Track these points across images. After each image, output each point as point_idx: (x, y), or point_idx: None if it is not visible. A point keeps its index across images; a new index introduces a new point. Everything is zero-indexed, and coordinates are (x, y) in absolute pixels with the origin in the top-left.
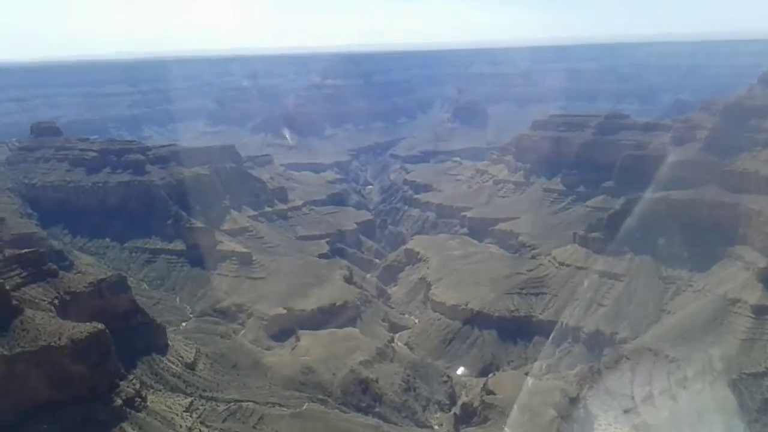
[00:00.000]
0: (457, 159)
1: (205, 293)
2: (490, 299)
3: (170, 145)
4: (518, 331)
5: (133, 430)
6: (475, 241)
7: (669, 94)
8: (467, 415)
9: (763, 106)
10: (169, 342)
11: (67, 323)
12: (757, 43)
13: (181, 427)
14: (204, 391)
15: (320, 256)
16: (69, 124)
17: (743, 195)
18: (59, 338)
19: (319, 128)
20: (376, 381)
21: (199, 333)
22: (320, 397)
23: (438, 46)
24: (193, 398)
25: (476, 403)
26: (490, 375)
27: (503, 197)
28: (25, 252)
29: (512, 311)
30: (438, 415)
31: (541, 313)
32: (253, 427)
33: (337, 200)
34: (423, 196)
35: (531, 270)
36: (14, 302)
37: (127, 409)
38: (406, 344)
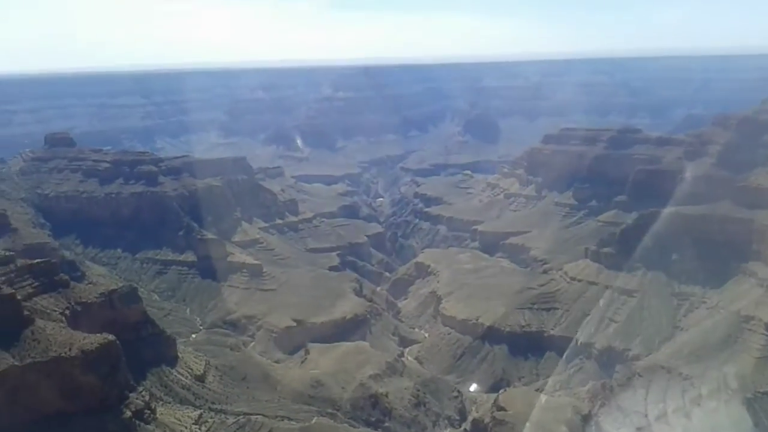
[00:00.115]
0: (468, 172)
1: (215, 305)
2: (501, 314)
3: (183, 156)
4: (529, 347)
5: None
6: (486, 255)
7: (681, 108)
8: (478, 431)
9: None
10: (179, 354)
11: (78, 334)
12: None
13: None
14: (213, 403)
15: (331, 268)
16: (82, 135)
17: (757, 211)
18: (70, 349)
19: (331, 140)
20: (386, 395)
21: (209, 345)
22: (329, 411)
23: (449, 59)
24: (202, 411)
25: (487, 420)
26: (500, 391)
27: (514, 211)
28: (37, 262)
29: (523, 326)
30: (448, 430)
31: (552, 329)
32: None
33: (348, 213)
34: (434, 210)
35: (542, 285)
36: (25, 312)
37: (137, 421)
38: (416, 358)
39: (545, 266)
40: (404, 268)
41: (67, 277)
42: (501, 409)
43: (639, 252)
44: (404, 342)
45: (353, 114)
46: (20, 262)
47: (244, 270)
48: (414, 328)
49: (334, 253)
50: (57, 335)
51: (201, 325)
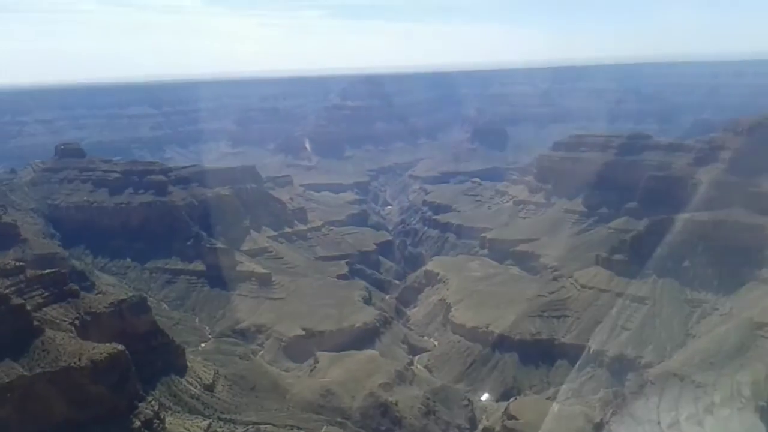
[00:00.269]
0: (477, 179)
1: (224, 314)
2: (511, 322)
3: (192, 166)
4: (540, 355)
5: None
6: (495, 263)
7: (690, 114)
8: None
9: None
10: (188, 363)
11: (88, 344)
12: None
13: None
14: (222, 413)
15: (339, 276)
16: (93, 146)
17: None
18: (79, 359)
19: (339, 149)
20: (396, 404)
21: (218, 354)
22: (339, 420)
23: (457, 67)
24: (211, 420)
25: (497, 428)
26: (511, 399)
27: (524, 218)
28: (46, 272)
29: (534, 334)
30: None
31: (563, 337)
32: None
33: (357, 221)
34: (442, 217)
35: (553, 292)
36: (35, 323)
37: (146, 431)
38: (425, 367)
39: (555, 273)
40: (413, 276)
41: (76, 287)
42: (512, 417)
43: (651, 259)
44: (414, 350)
45: (361, 122)
46: (30, 272)
47: (253, 279)
48: (423, 337)
49: (343, 262)
50: (66, 345)
51: (210, 335)
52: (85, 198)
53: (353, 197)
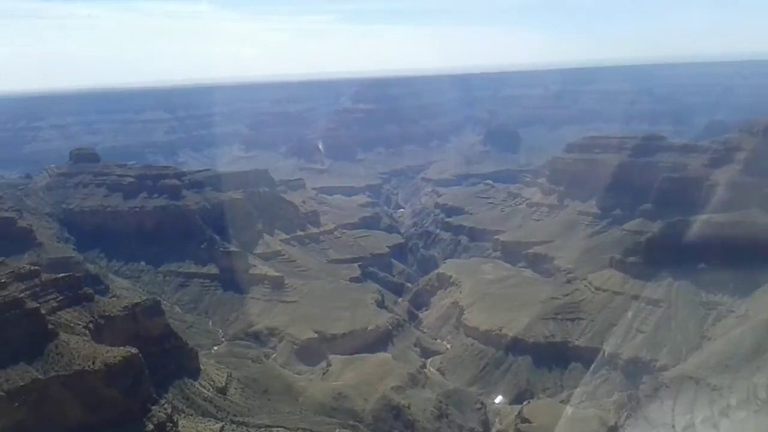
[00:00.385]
0: (489, 182)
1: (237, 317)
2: (524, 324)
3: (205, 170)
4: (554, 358)
5: None
6: (508, 265)
7: (705, 115)
8: None
9: None
10: (201, 366)
11: (101, 347)
12: None
13: None
14: (235, 416)
15: (352, 279)
16: (107, 150)
17: None
18: (93, 362)
19: (351, 152)
20: (408, 407)
21: (231, 357)
22: (351, 423)
23: (469, 69)
24: (224, 423)
25: None
26: (525, 402)
27: (537, 220)
28: (61, 276)
29: (547, 337)
30: None
31: (577, 339)
32: None
33: (369, 224)
34: (455, 220)
35: (566, 295)
36: (50, 326)
37: None
38: (438, 370)
39: (569, 276)
40: (426, 278)
41: (91, 290)
42: (525, 421)
43: (665, 261)
44: (426, 353)
45: (373, 125)
46: (45, 276)
47: (266, 282)
48: (436, 339)
49: (355, 265)
50: (81, 349)
51: (223, 337)
52: (99, 202)
53: (365, 200)
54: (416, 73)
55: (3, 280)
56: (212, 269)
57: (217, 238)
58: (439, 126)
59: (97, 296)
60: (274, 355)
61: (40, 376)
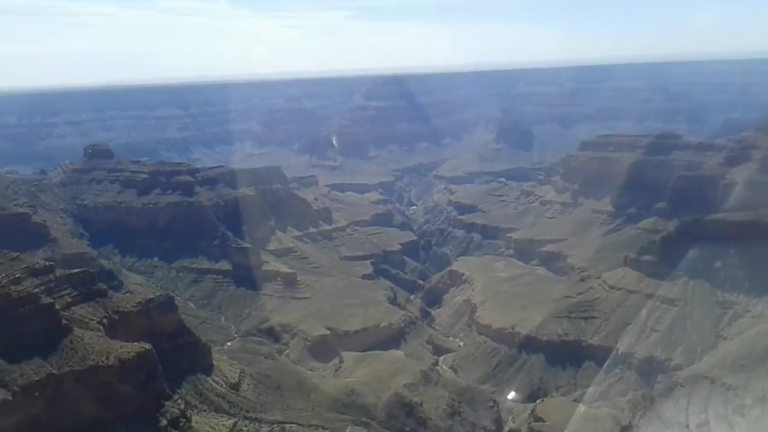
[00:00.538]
0: (503, 179)
1: (250, 313)
2: (537, 323)
3: (218, 166)
4: (567, 356)
5: None
6: (521, 263)
7: (720, 113)
8: None
9: None
10: (214, 362)
11: (115, 343)
12: None
13: None
14: (248, 411)
15: (364, 276)
16: (121, 147)
17: None
18: (107, 358)
19: (363, 149)
20: (421, 405)
21: (243, 353)
22: (364, 420)
23: (482, 66)
24: (237, 419)
25: (524, 430)
26: (538, 401)
27: (550, 218)
28: (75, 272)
29: (561, 335)
30: None
31: (591, 338)
32: None
33: (381, 221)
34: (468, 217)
35: (580, 293)
36: (64, 322)
37: (172, 429)
38: (450, 367)
39: (583, 274)
40: (438, 276)
41: (105, 286)
42: (539, 419)
43: (681, 260)
44: (439, 351)
45: (386, 123)
46: (59, 271)
47: (279, 278)
48: (448, 337)
49: (367, 262)
50: (95, 344)
51: (236, 333)
52: (113, 198)
53: (378, 197)
54: (429, 70)
55: (18, 276)
56: (225, 265)
57: (230, 234)
58: (452, 123)
59: (110, 292)
60: (287, 351)
61: (54, 372)
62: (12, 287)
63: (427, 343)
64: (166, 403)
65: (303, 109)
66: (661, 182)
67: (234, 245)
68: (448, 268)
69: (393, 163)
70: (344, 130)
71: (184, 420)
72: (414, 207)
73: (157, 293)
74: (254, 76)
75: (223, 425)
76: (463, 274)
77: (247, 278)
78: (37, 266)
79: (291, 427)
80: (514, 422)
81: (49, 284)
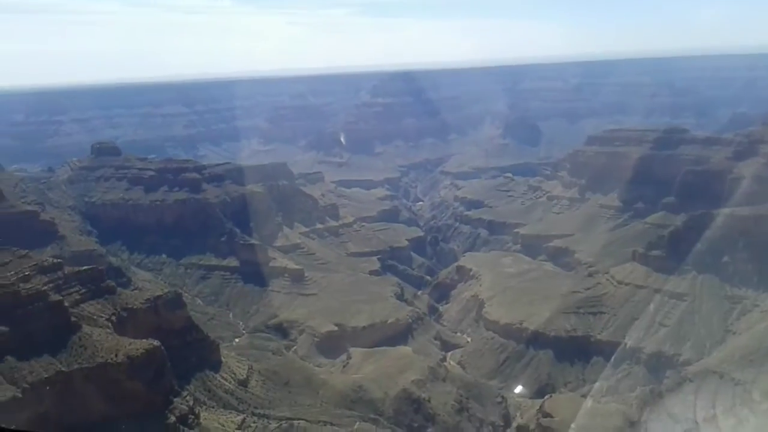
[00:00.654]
0: (509, 175)
1: (257, 309)
2: (545, 318)
3: (225, 163)
4: (575, 352)
5: None
6: (528, 259)
7: (727, 107)
8: None
9: None
10: (222, 358)
11: (124, 340)
12: None
13: None
14: (256, 408)
15: (371, 272)
16: (128, 144)
17: None
18: (116, 355)
19: (370, 145)
20: (429, 401)
21: (251, 349)
22: (372, 416)
23: (488, 62)
24: (245, 415)
25: (532, 426)
26: (546, 397)
27: (557, 213)
28: (84, 269)
29: (569, 331)
30: None
31: (599, 333)
32: None
33: (388, 217)
34: (474, 213)
35: (588, 288)
36: (73, 319)
37: (181, 426)
38: (458, 363)
39: (591, 270)
40: (446, 272)
41: (113, 283)
42: (547, 415)
43: (689, 254)
44: (446, 347)
45: (392, 119)
46: (68, 269)
47: (286, 275)
48: (456, 333)
49: (374, 258)
50: (103, 341)
51: (244, 330)
52: (121, 195)
53: (384, 193)
54: (435, 66)
55: (26, 273)
56: (232, 262)
57: (237, 231)
58: (458, 119)
59: (119, 289)
60: (295, 347)
61: (63, 369)
62: (21, 285)
63: (435, 339)
64: (175, 399)
65: (309, 105)
66: (669, 177)
67: (241, 242)
68: (456, 264)
69: (399, 159)
70: (350, 126)
71: (193, 417)
72: (420, 203)
73: (166, 290)
74: (259, 73)
75: (232, 422)
76: (470, 270)
77: (254, 275)
78: (46, 264)
79: (299, 423)
80: (522, 418)
81: (58, 282)
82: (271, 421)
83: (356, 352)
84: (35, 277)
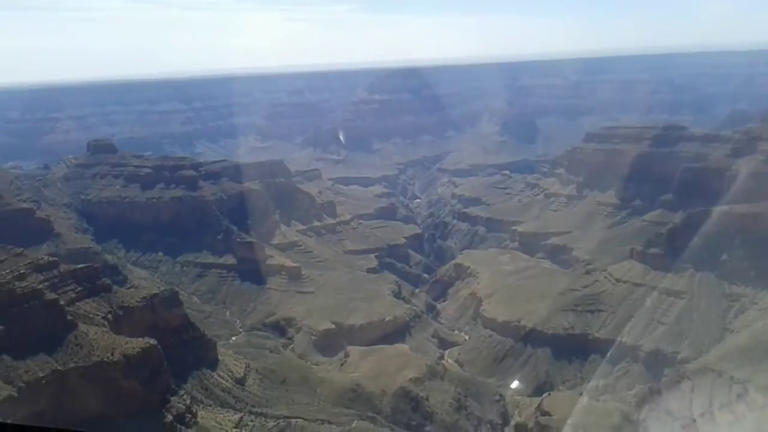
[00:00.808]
0: (507, 172)
1: (255, 307)
2: (543, 316)
3: (222, 161)
4: (573, 350)
5: None
6: (526, 256)
7: (726, 104)
8: None
9: None
10: (219, 357)
11: (120, 338)
12: None
13: None
14: (253, 406)
15: (369, 270)
16: (124, 141)
17: None
18: (112, 353)
19: (367, 142)
20: (427, 399)
21: (248, 347)
22: (370, 414)
23: (486, 59)
24: (242, 414)
25: (530, 424)
26: (544, 395)
27: (555, 211)
28: (80, 267)
29: (567, 329)
30: None
31: (597, 331)
32: None
33: (385, 214)
34: (472, 210)
35: (586, 286)
36: (69, 317)
37: (178, 425)
38: (456, 361)
39: (588, 267)
40: (443, 269)
41: (109, 281)
42: (545, 413)
43: (687, 252)
44: (444, 344)
45: (389, 116)
46: (64, 267)
47: (283, 272)
48: (454, 331)
49: (372, 255)
50: (100, 340)
51: (241, 328)
52: (117, 193)
53: (382, 190)
54: (432, 63)
55: (22, 271)
56: (229, 260)
57: (234, 228)
58: (455, 116)
59: (115, 287)
60: (292, 345)
61: (59, 367)
62: (16, 283)
63: (433, 336)
64: (172, 398)
65: (306, 102)
66: (667, 174)
67: (238, 239)
68: (453, 262)
69: (397, 156)
70: (348, 123)
71: (190, 415)
72: (418, 200)
73: (162, 288)
74: (257, 69)
75: (229, 420)
76: (468, 268)
77: (251, 272)
78: (42, 262)
79: (297, 421)
80: (520, 416)
81: (54, 280)
82: (268, 420)
83: (354, 350)
84: (31, 276)
